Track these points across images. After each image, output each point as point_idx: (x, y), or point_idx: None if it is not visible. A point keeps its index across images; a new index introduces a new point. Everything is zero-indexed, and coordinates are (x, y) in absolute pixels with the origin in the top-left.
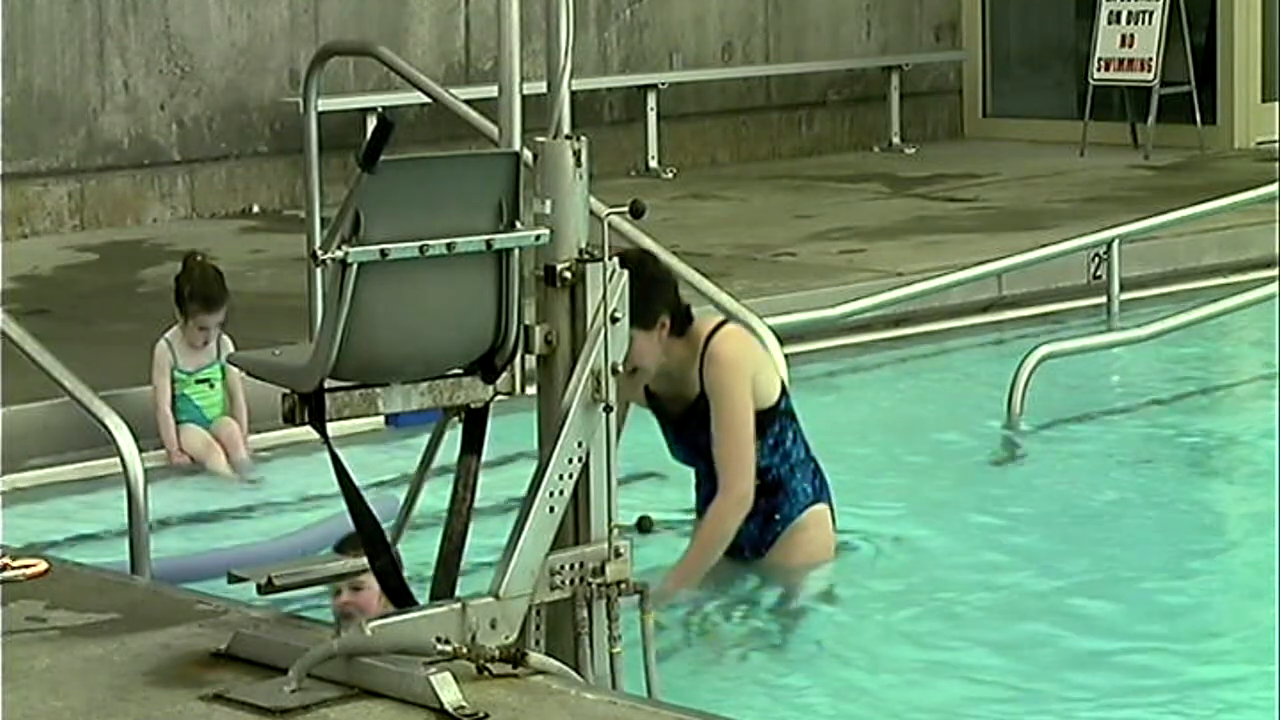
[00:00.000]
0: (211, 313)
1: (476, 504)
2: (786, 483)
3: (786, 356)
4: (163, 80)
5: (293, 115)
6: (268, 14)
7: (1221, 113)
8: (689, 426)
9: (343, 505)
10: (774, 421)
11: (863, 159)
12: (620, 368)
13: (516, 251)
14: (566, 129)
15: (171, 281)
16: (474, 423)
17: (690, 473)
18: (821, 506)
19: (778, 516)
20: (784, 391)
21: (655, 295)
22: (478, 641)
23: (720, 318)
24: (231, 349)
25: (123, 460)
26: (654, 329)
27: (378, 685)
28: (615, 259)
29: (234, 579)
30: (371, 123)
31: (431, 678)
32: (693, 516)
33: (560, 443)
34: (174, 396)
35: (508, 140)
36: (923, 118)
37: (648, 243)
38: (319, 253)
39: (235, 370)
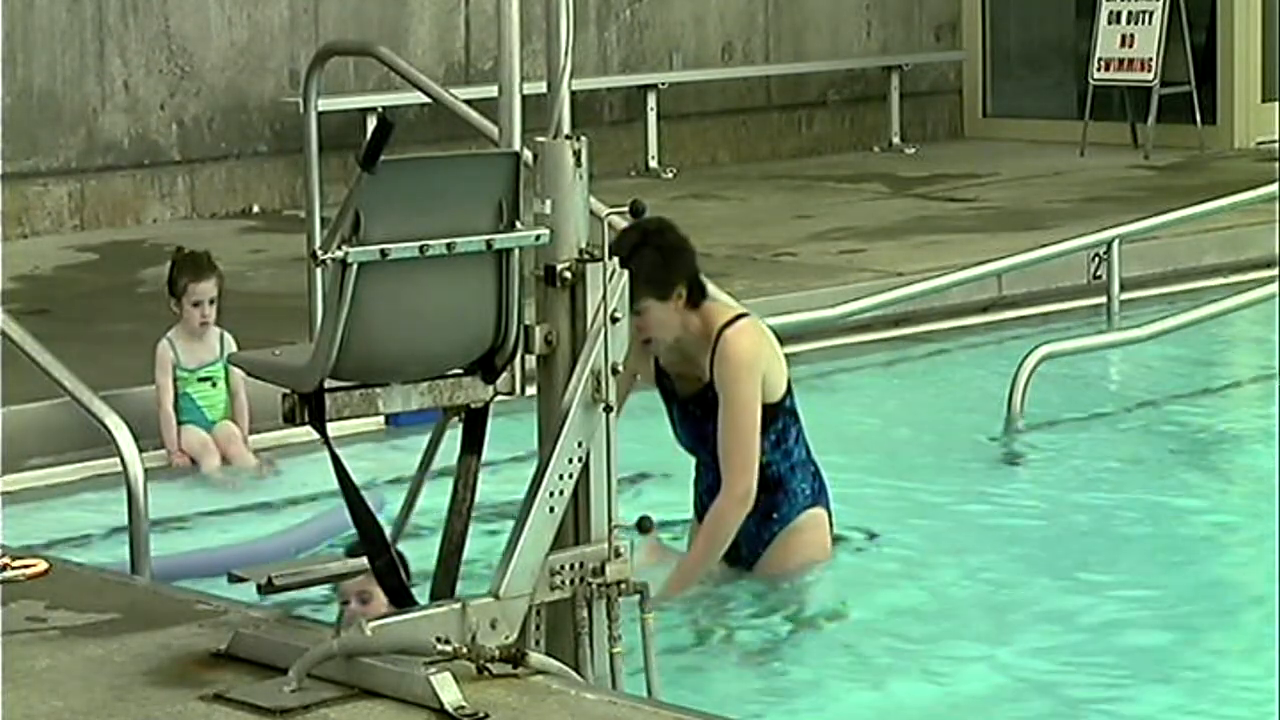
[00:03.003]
0: (200, 280)
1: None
2: (786, 482)
3: (786, 356)
4: (163, 80)
5: (293, 115)
6: (268, 14)
7: (1221, 113)
8: (696, 410)
9: (327, 503)
10: (778, 418)
11: (863, 159)
12: (620, 368)
13: (516, 251)
14: (566, 129)
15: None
16: (474, 423)
17: (690, 467)
18: (819, 510)
19: (775, 516)
20: (789, 390)
21: (673, 265)
22: (478, 641)
23: (737, 310)
24: (234, 348)
25: (123, 460)
26: (670, 299)
27: (378, 685)
28: (633, 229)
29: (234, 579)
30: (371, 123)
31: (431, 678)
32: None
33: (560, 443)
34: (176, 395)
35: (508, 140)
36: (923, 118)
37: None
38: (319, 253)
39: (238, 371)
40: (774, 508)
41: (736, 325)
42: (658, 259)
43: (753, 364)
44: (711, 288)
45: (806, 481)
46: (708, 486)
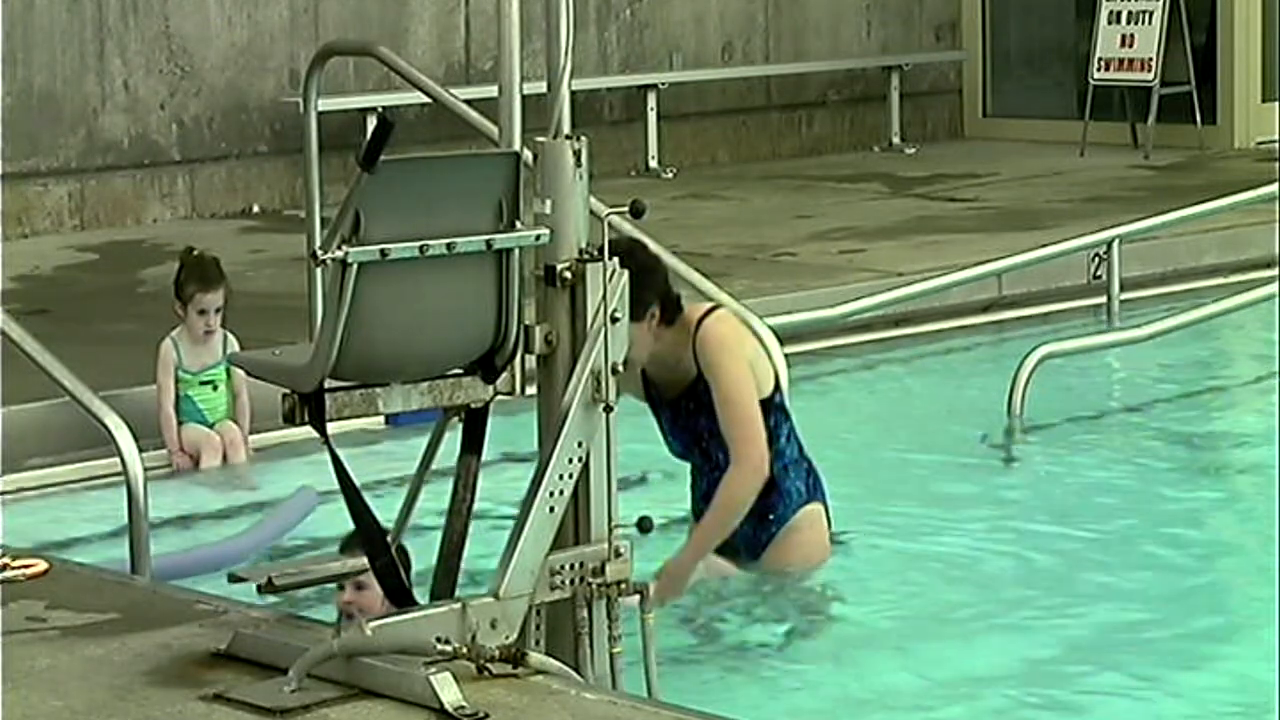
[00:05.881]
0: (208, 291)
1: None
2: (780, 482)
3: (786, 356)
4: (163, 80)
5: (293, 115)
6: (268, 14)
7: (1221, 113)
8: (687, 410)
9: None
10: (768, 414)
11: (863, 159)
12: (620, 368)
13: (516, 251)
14: (566, 129)
15: (171, 281)
16: (474, 423)
17: (686, 471)
18: (815, 506)
19: (772, 517)
20: (777, 387)
21: (645, 284)
22: (478, 641)
23: (712, 303)
24: (237, 348)
25: (123, 460)
26: (644, 319)
27: (378, 685)
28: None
29: (234, 579)
30: (371, 123)
31: (431, 678)
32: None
33: (560, 443)
34: (177, 397)
35: (508, 140)
36: (923, 118)
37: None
38: (319, 253)
39: (241, 372)
40: (769, 509)
41: (714, 314)
42: (629, 280)
43: (735, 345)
44: (708, 285)
45: (800, 479)
46: (704, 493)
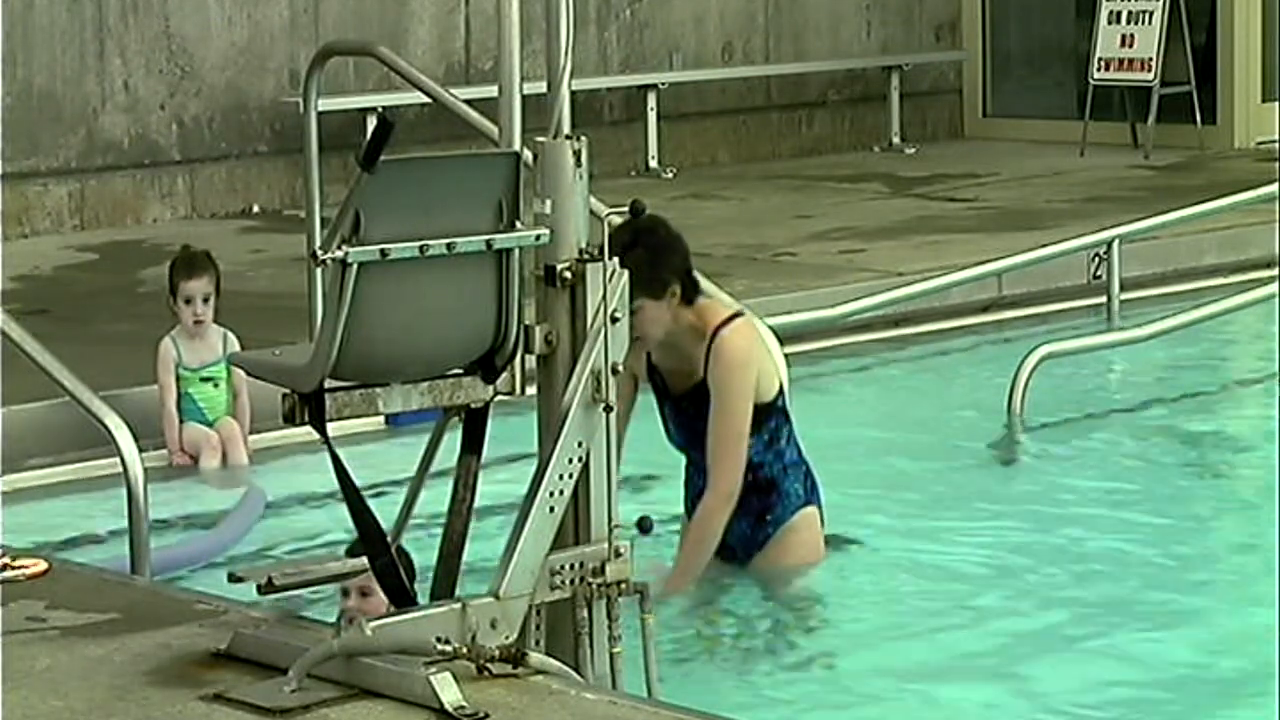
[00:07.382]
0: (193, 279)
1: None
2: (779, 483)
3: (786, 356)
4: (163, 80)
5: (293, 115)
6: (268, 14)
7: (1221, 113)
8: (689, 408)
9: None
10: (770, 418)
11: (863, 159)
12: (620, 368)
13: (516, 251)
14: (566, 129)
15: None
16: (474, 423)
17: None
18: (812, 509)
19: (769, 518)
20: (781, 390)
21: (665, 263)
22: (478, 641)
23: (732, 309)
24: (237, 347)
25: (123, 460)
26: (664, 297)
27: (378, 685)
28: (624, 229)
29: (234, 579)
30: (371, 123)
31: (431, 678)
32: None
33: (560, 443)
34: (178, 395)
35: (508, 140)
36: (923, 118)
37: None
38: (319, 253)
39: (240, 371)
40: (767, 509)
41: (732, 325)
42: (650, 258)
43: (746, 364)
44: (709, 285)
45: (799, 482)
46: (699, 490)
